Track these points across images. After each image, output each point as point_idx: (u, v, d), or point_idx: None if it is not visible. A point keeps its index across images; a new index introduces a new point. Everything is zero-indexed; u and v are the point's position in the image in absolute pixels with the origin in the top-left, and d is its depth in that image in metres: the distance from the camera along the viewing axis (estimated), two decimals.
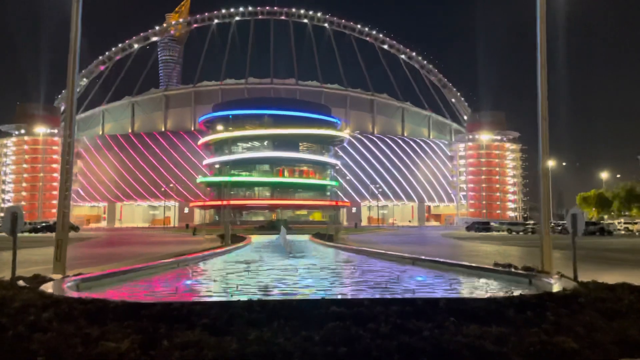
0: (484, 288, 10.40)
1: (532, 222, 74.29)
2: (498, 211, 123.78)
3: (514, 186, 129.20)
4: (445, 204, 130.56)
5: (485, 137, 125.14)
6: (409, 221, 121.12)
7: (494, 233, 61.37)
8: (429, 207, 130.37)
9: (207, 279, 12.67)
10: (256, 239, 38.90)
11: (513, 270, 11.45)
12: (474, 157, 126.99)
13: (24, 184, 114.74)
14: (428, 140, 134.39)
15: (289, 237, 40.84)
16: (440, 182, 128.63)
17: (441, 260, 14.94)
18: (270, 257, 20.03)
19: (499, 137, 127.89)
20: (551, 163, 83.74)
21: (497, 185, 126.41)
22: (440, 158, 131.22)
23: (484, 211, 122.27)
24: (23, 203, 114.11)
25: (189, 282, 11.79)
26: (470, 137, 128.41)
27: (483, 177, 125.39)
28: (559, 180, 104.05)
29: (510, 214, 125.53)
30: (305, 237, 37.96)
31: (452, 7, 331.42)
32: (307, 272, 13.93)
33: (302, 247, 27.17)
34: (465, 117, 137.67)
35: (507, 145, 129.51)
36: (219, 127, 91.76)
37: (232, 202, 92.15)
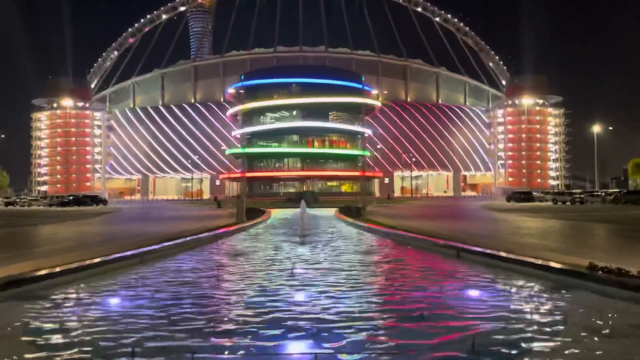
0: (602, 323, 6.25)
1: (579, 190, 69.43)
2: (538, 180, 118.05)
3: (556, 153, 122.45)
4: (482, 173, 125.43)
5: (525, 101, 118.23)
6: (444, 191, 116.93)
7: (538, 203, 57.24)
8: (465, 176, 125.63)
9: (158, 289, 9.18)
10: (278, 213, 36.53)
11: (627, 279, 7.22)
12: (513, 123, 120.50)
13: (58, 158, 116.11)
14: (464, 107, 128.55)
15: (315, 211, 38.29)
16: (477, 150, 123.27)
17: (498, 254, 10.82)
18: (274, 243, 17.06)
19: (540, 102, 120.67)
20: (596, 128, 77.97)
21: (538, 153, 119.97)
22: (477, 125, 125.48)
23: (524, 180, 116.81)
24: (58, 176, 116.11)
25: (114, 301, 8.35)
26: (510, 102, 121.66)
27: (523, 144, 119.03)
28: (601, 146, 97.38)
29: (552, 182, 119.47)
30: (331, 212, 35.15)
31: None
32: (308, 274, 10.67)
33: (322, 226, 24.36)
34: (504, 82, 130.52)
35: (549, 110, 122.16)
36: (247, 97, 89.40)
37: (260, 173, 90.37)
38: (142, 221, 29.12)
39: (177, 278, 10.46)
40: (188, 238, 16.23)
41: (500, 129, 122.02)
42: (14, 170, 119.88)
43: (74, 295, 8.74)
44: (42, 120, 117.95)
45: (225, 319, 7.39)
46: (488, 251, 11.24)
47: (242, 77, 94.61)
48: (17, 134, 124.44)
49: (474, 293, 8.53)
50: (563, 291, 7.98)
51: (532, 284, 8.85)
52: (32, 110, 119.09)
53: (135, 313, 7.43)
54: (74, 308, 7.92)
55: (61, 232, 21.08)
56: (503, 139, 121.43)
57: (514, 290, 8.63)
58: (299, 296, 8.63)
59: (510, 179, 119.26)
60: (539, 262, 9.58)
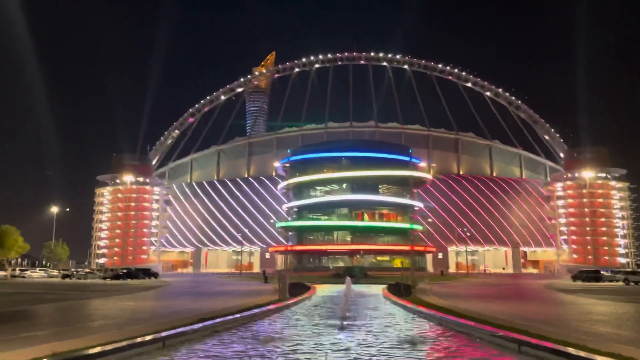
0: None
1: None
2: (606, 257, 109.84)
3: (623, 229, 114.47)
4: (543, 249, 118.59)
5: (586, 174, 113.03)
6: (503, 268, 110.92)
7: (607, 284, 52.70)
8: (525, 252, 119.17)
9: None
10: (324, 289, 35.18)
11: None
12: (574, 197, 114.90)
13: (117, 231, 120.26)
14: (520, 180, 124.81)
15: (362, 288, 36.67)
16: (536, 224, 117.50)
17: (567, 351, 9.15)
18: (311, 327, 15.75)
19: (602, 175, 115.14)
20: None
21: (604, 229, 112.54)
22: (535, 199, 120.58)
23: (590, 257, 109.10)
24: (116, 249, 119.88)
25: None
26: (569, 175, 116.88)
27: (587, 219, 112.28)
28: None
29: (621, 260, 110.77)
30: (380, 289, 33.46)
31: (539, 40, 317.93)
32: None
33: (367, 306, 22.82)
34: (561, 155, 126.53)
35: (613, 183, 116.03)
36: (297, 171, 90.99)
37: (309, 247, 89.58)
38: (186, 296, 28.77)
39: None
40: (226, 317, 15.48)
41: (560, 202, 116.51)
42: (77, 244, 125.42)
43: None
44: (104, 195, 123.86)
45: None
46: (554, 347, 9.60)
47: (289, 151, 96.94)
48: (82, 209, 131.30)
49: None
50: None
51: None
52: (96, 185, 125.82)
53: None
54: None
55: (103, 308, 20.94)
56: (564, 214, 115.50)
57: None
58: None
59: (575, 255, 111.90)
60: None
